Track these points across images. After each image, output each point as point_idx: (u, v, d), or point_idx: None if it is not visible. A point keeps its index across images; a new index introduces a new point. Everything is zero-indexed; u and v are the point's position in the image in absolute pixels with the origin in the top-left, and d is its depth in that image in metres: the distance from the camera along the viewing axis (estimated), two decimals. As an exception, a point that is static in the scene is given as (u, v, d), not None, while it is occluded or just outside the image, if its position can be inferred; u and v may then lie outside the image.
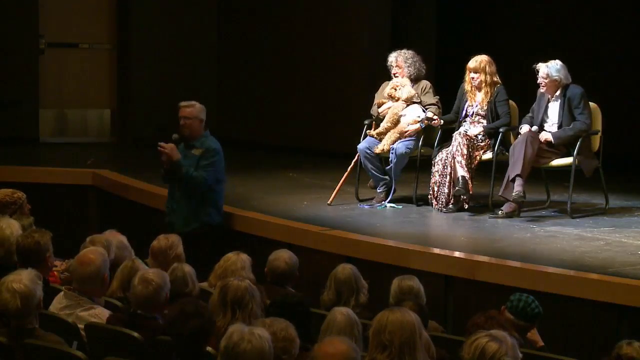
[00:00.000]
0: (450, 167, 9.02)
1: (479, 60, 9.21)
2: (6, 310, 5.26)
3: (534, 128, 8.90)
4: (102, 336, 5.56)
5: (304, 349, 4.89)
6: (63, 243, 7.16)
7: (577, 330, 6.95)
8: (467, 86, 9.28)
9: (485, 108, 9.21)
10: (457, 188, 8.95)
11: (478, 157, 9.08)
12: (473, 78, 9.20)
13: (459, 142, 8.99)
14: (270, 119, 13.46)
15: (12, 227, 6.65)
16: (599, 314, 6.87)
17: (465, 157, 8.96)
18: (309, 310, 5.56)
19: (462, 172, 8.94)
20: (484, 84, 9.18)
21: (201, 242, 8.45)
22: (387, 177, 9.49)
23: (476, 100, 9.25)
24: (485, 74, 9.17)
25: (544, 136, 8.87)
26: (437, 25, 13.41)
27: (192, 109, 8.75)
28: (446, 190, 9.05)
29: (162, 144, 8.60)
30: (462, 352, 4.44)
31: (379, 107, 9.66)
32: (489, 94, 9.19)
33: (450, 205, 9.04)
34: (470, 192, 9.02)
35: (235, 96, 13.71)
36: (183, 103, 8.82)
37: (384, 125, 9.45)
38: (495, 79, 9.21)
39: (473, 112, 9.25)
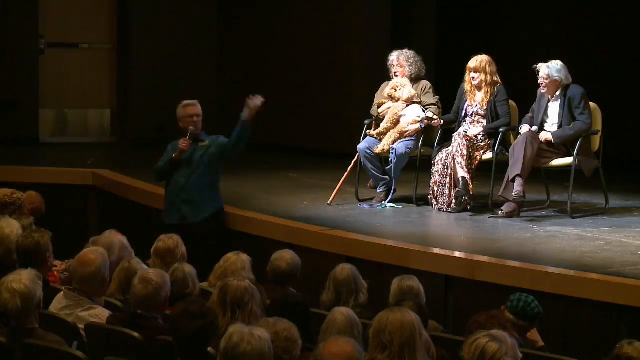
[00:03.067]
0: (451, 168, 9.01)
1: (479, 60, 9.20)
2: (6, 310, 5.26)
3: (534, 128, 8.90)
4: (102, 336, 5.56)
5: (305, 349, 4.89)
6: (63, 243, 7.16)
7: (577, 330, 6.95)
8: (466, 86, 9.27)
9: (485, 108, 9.21)
10: (457, 189, 8.95)
11: (478, 158, 9.07)
12: (473, 78, 9.19)
13: (459, 143, 8.98)
14: (270, 119, 13.41)
15: (12, 226, 6.65)
16: (599, 314, 6.87)
17: (465, 157, 8.95)
18: (309, 310, 5.56)
19: (462, 173, 8.94)
20: (484, 84, 9.18)
21: (208, 234, 8.58)
22: (387, 177, 9.48)
23: (476, 100, 9.24)
24: (486, 74, 9.16)
25: (544, 136, 8.87)
26: (437, 25, 13.40)
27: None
28: (446, 192, 9.05)
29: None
30: (462, 352, 4.45)
31: (379, 107, 9.65)
32: (489, 94, 9.19)
33: (453, 206, 9.03)
34: (471, 193, 9.02)
35: (235, 96, 13.66)
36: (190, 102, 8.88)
37: (384, 125, 9.45)
38: (495, 79, 9.20)
39: (473, 112, 9.25)
